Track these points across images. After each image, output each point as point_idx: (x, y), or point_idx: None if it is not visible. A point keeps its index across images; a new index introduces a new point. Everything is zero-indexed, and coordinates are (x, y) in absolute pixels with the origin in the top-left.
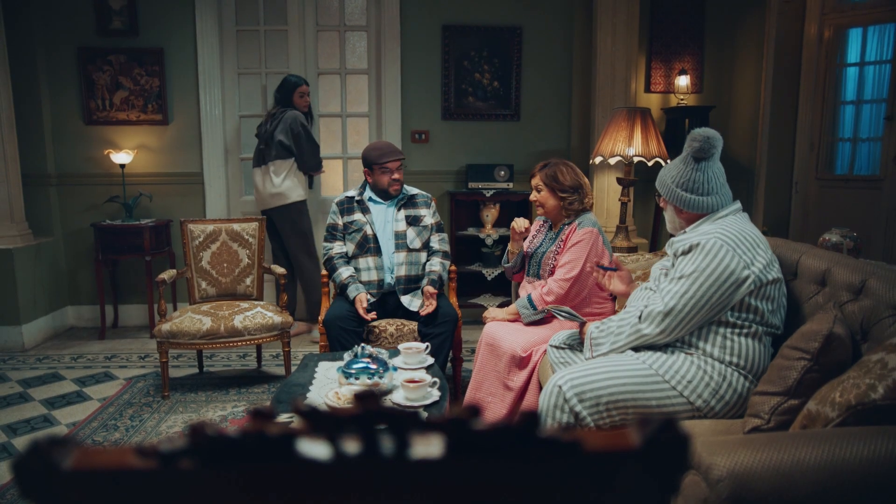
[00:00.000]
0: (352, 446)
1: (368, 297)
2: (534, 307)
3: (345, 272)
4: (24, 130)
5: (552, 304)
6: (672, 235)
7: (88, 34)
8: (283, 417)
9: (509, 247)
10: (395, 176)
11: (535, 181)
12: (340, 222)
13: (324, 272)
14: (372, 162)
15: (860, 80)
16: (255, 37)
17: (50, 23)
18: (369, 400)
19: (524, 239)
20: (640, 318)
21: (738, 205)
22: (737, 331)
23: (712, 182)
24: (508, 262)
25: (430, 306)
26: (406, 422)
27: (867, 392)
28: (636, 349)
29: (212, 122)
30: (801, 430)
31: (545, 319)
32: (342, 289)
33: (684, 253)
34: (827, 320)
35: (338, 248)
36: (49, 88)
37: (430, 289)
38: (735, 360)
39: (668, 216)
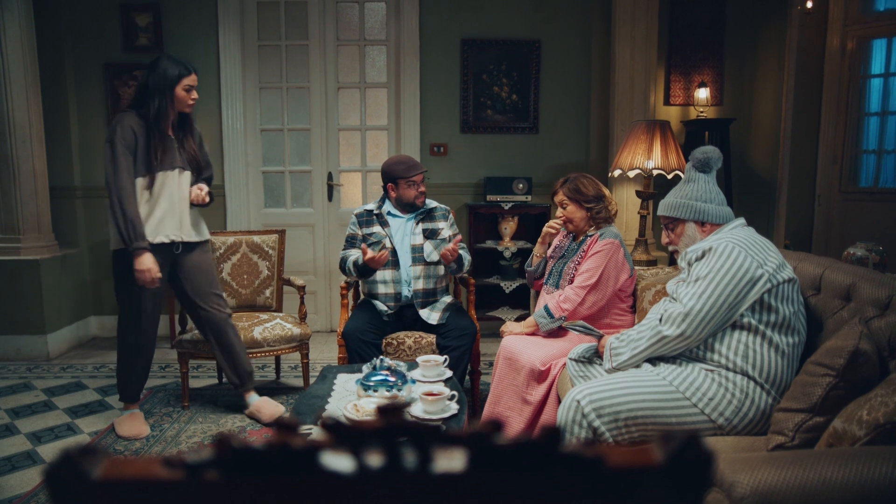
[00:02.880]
0: (375, 459)
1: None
2: (551, 316)
3: (352, 255)
4: (51, 144)
5: (567, 322)
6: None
7: (115, 50)
8: (301, 429)
9: (535, 249)
10: (422, 189)
11: (559, 198)
12: (360, 233)
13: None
14: (397, 176)
15: (885, 90)
16: (277, 51)
17: (78, 40)
18: (392, 413)
19: (550, 244)
20: (660, 320)
21: (742, 220)
22: (759, 339)
23: (721, 194)
24: (531, 266)
25: (453, 248)
26: (429, 436)
27: None
28: (654, 363)
29: (233, 135)
30: (826, 448)
31: (564, 332)
32: (355, 265)
33: (698, 259)
34: (852, 336)
35: (355, 254)
36: (77, 103)
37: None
38: (756, 373)
39: (688, 236)
